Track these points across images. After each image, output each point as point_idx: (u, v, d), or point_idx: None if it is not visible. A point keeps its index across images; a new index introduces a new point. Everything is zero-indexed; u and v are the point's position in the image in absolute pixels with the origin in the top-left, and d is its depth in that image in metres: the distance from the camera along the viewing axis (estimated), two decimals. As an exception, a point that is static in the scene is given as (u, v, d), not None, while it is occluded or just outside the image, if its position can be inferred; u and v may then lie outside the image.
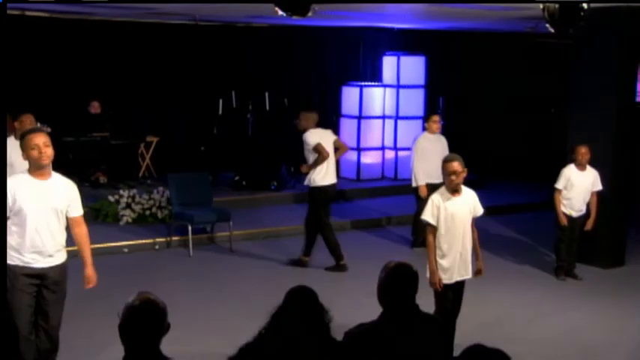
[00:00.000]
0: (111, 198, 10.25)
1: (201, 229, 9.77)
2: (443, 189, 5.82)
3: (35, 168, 5.01)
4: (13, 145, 6.83)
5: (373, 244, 10.02)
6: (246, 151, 12.61)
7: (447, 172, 5.71)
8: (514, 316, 7.34)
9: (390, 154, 13.68)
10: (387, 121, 13.74)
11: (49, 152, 5.01)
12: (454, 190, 5.75)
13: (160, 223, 10.12)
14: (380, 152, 13.69)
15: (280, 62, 13.60)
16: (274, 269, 8.66)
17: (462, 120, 14.42)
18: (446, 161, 5.77)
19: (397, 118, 13.67)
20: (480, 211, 5.95)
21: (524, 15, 9.55)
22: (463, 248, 5.81)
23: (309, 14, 6.99)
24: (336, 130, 13.79)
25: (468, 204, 5.86)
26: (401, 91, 13.83)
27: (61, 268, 5.21)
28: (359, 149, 13.47)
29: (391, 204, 12.01)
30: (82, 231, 5.29)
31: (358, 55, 14.12)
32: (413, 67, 13.84)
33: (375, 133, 13.65)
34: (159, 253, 9.37)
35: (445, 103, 14.15)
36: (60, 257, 5.20)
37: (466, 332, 5.69)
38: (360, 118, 13.48)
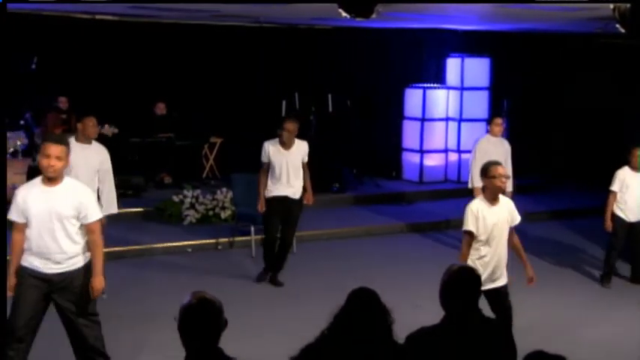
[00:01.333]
0: (175, 198, 10.40)
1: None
2: (481, 197, 5.73)
3: (44, 175, 4.99)
4: (73, 147, 6.95)
5: (434, 247, 9.93)
6: (308, 152, 12.62)
7: (492, 175, 5.56)
8: (555, 321, 7.18)
9: (453, 157, 13.54)
10: (450, 123, 13.61)
11: (57, 166, 4.90)
12: (494, 199, 5.64)
13: (223, 224, 10.22)
14: (443, 155, 13.57)
15: (343, 64, 13.59)
16: (336, 271, 8.64)
17: (526, 122, 14.20)
18: (492, 165, 5.65)
19: (461, 120, 13.53)
20: (517, 219, 5.82)
21: (593, 16, 9.34)
22: (500, 257, 5.69)
23: (373, 16, 6.97)
24: (399, 132, 13.78)
25: (505, 213, 5.72)
26: (465, 93, 13.70)
27: (74, 276, 5.08)
28: (422, 151, 13.38)
29: (453, 207, 11.88)
30: (93, 239, 5.13)
31: (421, 57, 14.01)
32: (477, 69, 13.68)
33: (438, 135, 13.54)
34: (222, 253, 9.46)
35: (510, 105, 13.94)
36: (70, 265, 5.07)
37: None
38: (423, 120, 13.39)
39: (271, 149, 8.01)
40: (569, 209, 12.07)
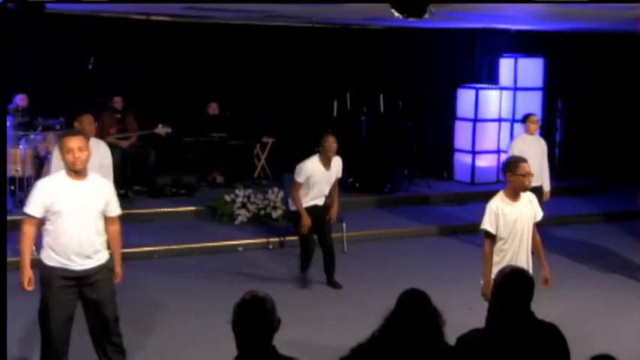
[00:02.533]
0: (227, 197, 10.48)
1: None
2: (502, 194, 5.59)
3: (68, 169, 4.97)
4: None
5: (478, 249, 9.80)
6: (360, 153, 12.63)
7: (519, 172, 5.44)
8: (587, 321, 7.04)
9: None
10: (503, 123, 13.46)
11: (83, 157, 4.91)
12: (516, 195, 5.52)
13: (273, 223, 10.27)
14: (495, 155, 13.42)
15: (395, 64, 13.55)
16: (386, 271, 8.63)
17: (580, 123, 13.97)
18: (520, 161, 5.53)
19: (514, 121, 13.37)
20: (539, 215, 5.67)
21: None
22: (521, 255, 5.54)
23: (426, 16, 6.94)
24: (451, 133, 13.67)
25: (528, 209, 5.59)
26: (518, 93, 13.53)
27: (100, 269, 5.12)
28: (473, 152, 13.26)
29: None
30: (115, 229, 5.27)
31: (474, 57, 13.88)
32: (531, 69, 13.51)
33: (490, 136, 13.40)
34: (272, 252, 9.51)
35: (564, 105, 13.73)
36: (98, 260, 5.11)
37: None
38: (475, 120, 13.27)
39: (312, 169, 7.88)
40: (623, 211, 11.82)
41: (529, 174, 5.49)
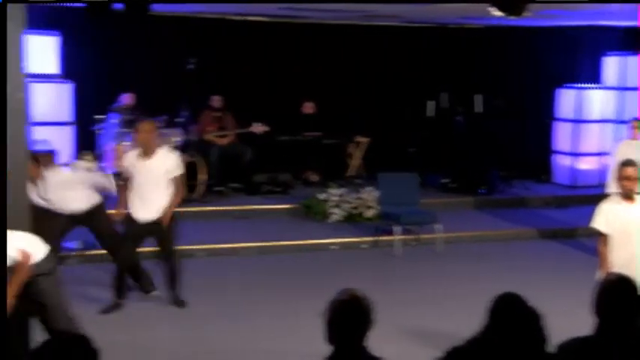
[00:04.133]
0: (321, 196, 10.54)
1: (408, 230, 9.79)
2: (615, 196, 5.56)
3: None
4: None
5: (586, 254, 9.53)
6: (455, 153, 12.49)
7: (620, 175, 5.45)
8: None
9: (608, 160, 12.96)
10: (606, 125, 13.04)
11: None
12: (627, 197, 5.43)
13: (367, 222, 10.27)
14: (598, 158, 13.01)
15: (492, 64, 13.33)
16: (482, 274, 8.49)
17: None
18: (621, 165, 5.51)
19: (618, 122, 12.93)
20: None
21: None
22: (633, 261, 5.37)
23: (526, 14, 6.81)
24: (550, 134, 13.33)
25: None
26: (623, 93, 13.07)
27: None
28: (574, 154, 12.90)
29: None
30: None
31: (575, 56, 13.49)
32: (637, 68, 13.03)
33: (592, 137, 13.00)
34: (366, 251, 9.51)
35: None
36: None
37: None
38: (576, 121, 12.91)
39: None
40: None
41: (628, 177, 5.43)
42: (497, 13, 6.96)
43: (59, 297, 5.24)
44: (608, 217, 5.49)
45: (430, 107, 12.68)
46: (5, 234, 4.94)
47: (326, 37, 12.73)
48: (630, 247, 5.45)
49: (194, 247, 8.99)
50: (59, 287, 5.29)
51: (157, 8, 9.62)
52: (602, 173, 12.93)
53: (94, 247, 8.60)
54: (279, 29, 12.52)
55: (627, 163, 5.56)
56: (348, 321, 3.23)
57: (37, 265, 5.09)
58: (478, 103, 12.69)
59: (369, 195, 10.47)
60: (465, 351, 3.39)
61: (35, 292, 5.06)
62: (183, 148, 10.99)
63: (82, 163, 8.87)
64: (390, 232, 9.45)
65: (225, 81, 12.00)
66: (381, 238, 9.66)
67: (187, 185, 10.38)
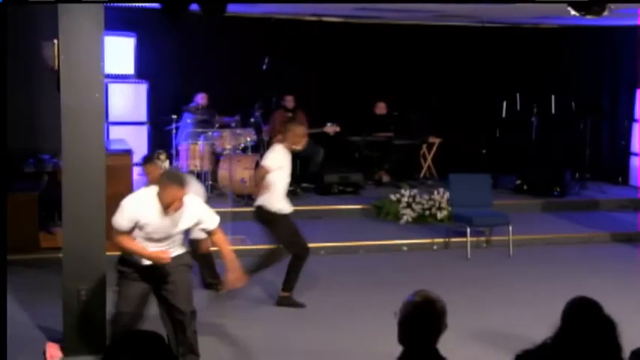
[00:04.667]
0: (392, 197, 10.54)
1: (480, 232, 9.70)
2: None
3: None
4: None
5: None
6: (529, 154, 12.30)
7: None
8: None
9: (688, 163, 12.59)
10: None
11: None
12: None
13: (438, 224, 10.21)
14: (676, 160, 12.65)
15: (568, 64, 13.09)
16: (555, 277, 8.35)
17: None
18: None
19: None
20: None
21: None
22: None
23: (605, 13, 6.66)
24: (627, 135, 13.00)
25: None
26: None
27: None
28: (652, 156, 12.57)
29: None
30: (218, 238, 5.41)
31: (655, 56, 13.14)
32: None
33: (671, 139, 12.64)
34: (437, 253, 9.47)
35: None
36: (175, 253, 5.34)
37: None
38: (655, 123, 12.57)
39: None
40: None
41: None
42: (574, 13, 6.83)
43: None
44: None
45: (504, 108, 12.53)
46: (5, 234, 5.08)
47: (399, 38, 12.71)
48: None
49: (266, 246, 9.08)
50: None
51: (232, 9, 9.78)
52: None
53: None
54: (352, 29, 12.56)
55: None
56: (421, 323, 3.23)
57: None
58: (553, 105, 12.48)
59: (441, 196, 10.41)
60: (536, 355, 3.36)
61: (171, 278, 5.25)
62: (255, 148, 11.16)
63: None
64: (461, 234, 9.38)
65: (298, 81, 12.10)
66: (452, 239, 9.59)
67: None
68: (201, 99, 11.28)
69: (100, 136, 5.86)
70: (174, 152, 10.63)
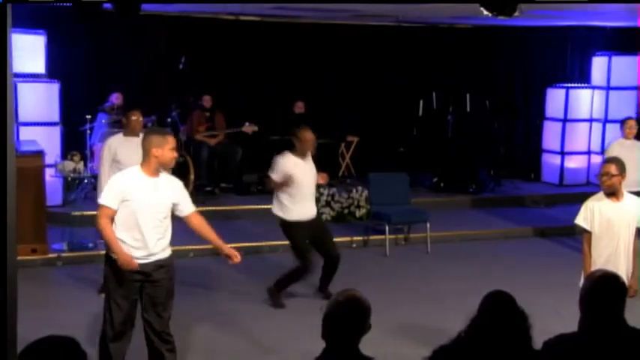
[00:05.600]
0: (312, 195, 10.53)
1: (399, 230, 9.81)
2: (600, 194, 5.59)
3: (158, 167, 5.04)
4: (121, 141, 7.00)
5: (574, 253, 9.57)
6: (445, 153, 12.52)
7: (600, 172, 5.53)
8: None
9: (596, 159, 13.02)
10: (594, 124, 13.10)
11: (176, 155, 5.19)
12: (610, 194, 5.48)
13: (357, 222, 10.28)
14: (586, 157, 13.08)
15: (482, 63, 13.37)
16: (471, 273, 8.51)
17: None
18: (603, 162, 5.67)
19: (606, 121, 12.99)
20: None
21: None
22: (617, 259, 5.45)
23: (516, 14, 6.81)
24: (539, 133, 13.38)
25: (628, 211, 5.52)
26: (611, 93, 13.14)
27: (163, 265, 5.17)
28: (563, 153, 12.96)
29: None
30: (198, 220, 5.30)
31: (565, 56, 13.56)
32: (626, 68, 13.08)
33: (580, 136, 13.07)
34: (356, 251, 9.52)
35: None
36: (163, 255, 5.16)
37: None
38: (565, 121, 12.96)
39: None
40: None
41: (605, 174, 5.48)
42: (486, 13, 6.96)
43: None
44: (592, 214, 5.52)
45: (421, 107, 12.72)
46: (5, 234, 4.92)
47: (317, 37, 12.73)
48: (614, 244, 5.50)
49: (183, 247, 8.97)
50: None
51: (148, 7, 9.61)
52: (590, 172, 13.02)
53: (80, 249, 8.61)
54: (270, 29, 12.52)
55: (609, 160, 5.65)
56: (344, 321, 3.25)
57: None
58: (468, 103, 12.73)
59: (360, 194, 10.49)
60: (453, 349, 3.41)
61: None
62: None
63: (70, 164, 8.84)
64: (380, 232, 9.46)
65: (215, 81, 12.00)
66: (371, 237, 9.67)
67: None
68: (116, 99, 11.06)
69: (10, 138, 5.64)
70: (88, 153, 10.35)
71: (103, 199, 5.01)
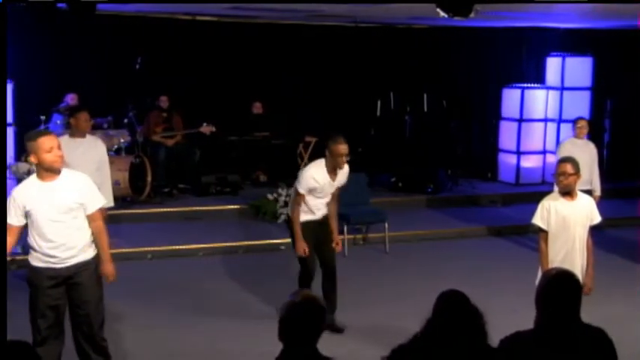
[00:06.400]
0: (270, 196, 10.52)
1: (357, 230, 9.84)
2: (556, 193, 5.68)
3: (47, 170, 4.85)
4: (66, 142, 6.64)
5: (530, 251, 9.71)
6: (403, 152, 12.59)
7: (556, 172, 5.58)
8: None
9: (551, 158, 13.21)
10: (549, 124, 13.30)
11: (61, 154, 4.91)
12: (565, 194, 5.57)
13: (316, 222, 10.27)
14: (541, 156, 13.27)
15: (440, 64, 13.48)
16: (429, 272, 8.58)
17: (630, 124, 13.72)
18: (560, 161, 5.65)
19: (560, 121, 13.21)
20: (596, 218, 5.69)
21: None
22: (573, 257, 5.56)
23: (472, 15, 6.89)
24: (495, 133, 13.53)
25: (582, 210, 5.63)
26: (565, 93, 13.36)
27: (85, 267, 5.02)
28: (518, 153, 13.12)
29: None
30: (97, 226, 5.07)
31: (520, 56, 13.74)
32: (579, 69, 13.32)
33: (536, 136, 13.25)
34: (315, 251, 9.51)
35: (613, 106, 13.48)
36: (83, 256, 5.02)
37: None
38: (520, 120, 13.13)
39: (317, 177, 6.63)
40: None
41: (562, 173, 5.53)
42: (443, 14, 7.04)
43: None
44: (548, 213, 5.59)
45: (379, 107, 12.77)
46: (5, 232, 4.82)
47: (275, 37, 12.71)
48: (570, 243, 5.58)
49: (142, 249, 8.91)
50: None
51: (103, 7, 9.50)
52: (545, 171, 13.22)
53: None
54: (227, 29, 12.46)
55: (564, 159, 5.68)
56: (301, 322, 3.25)
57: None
58: (426, 103, 12.83)
59: (318, 195, 10.47)
60: (410, 349, 3.43)
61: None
62: (130, 149, 10.89)
63: (24, 165, 8.70)
64: (339, 232, 9.45)
65: (172, 81, 11.90)
66: (330, 237, 9.66)
67: (135, 187, 10.32)
68: (71, 99, 10.92)
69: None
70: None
71: (8, 218, 4.86)
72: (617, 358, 3.61)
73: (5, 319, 4.81)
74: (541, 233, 5.64)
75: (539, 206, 5.66)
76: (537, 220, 5.63)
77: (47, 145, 4.79)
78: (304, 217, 6.59)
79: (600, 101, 13.51)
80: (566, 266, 5.45)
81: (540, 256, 5.64)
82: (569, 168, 5.55)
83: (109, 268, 5.15)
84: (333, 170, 6.59)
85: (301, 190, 6.47)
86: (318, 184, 6.49)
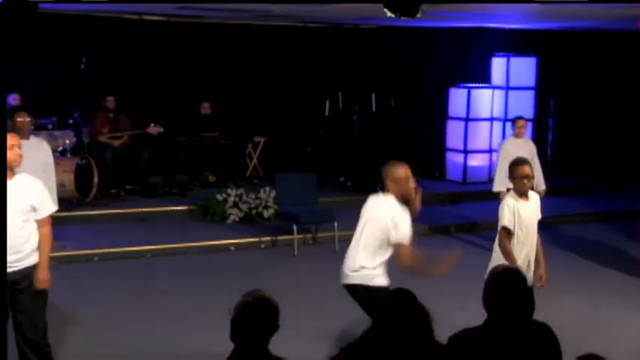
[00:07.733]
0: (219, 197, 10.48)
1: (307, 229, 9.85)
2: (513, 193, 5.70)
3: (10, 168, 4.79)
4: None
5: (478, 249, 9.85)
6: (352, 152, 12.63)
7: (518, 175, 5.57)
8: (592, 321, 7.04)
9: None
10: (495, 123, 13.49)
11: (21, 153, 4.83)
12: (522, 195, 5.64)
13: (265, 222, 10.27)
14: (487, 155, 13.45)
15: (387, 63, 13.56)
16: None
17: (573, 123, 14.01)
18: (517, 164, 5.63)
19: (506, 120, 13.40)
20: (539, 215, 5.81)
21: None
22: (531, 254, 5.70)
23: (418, 15, 6.95)
24: (443, 132, 13.67)
25: (535, 208, 5.75)
26: (510, 92, 13.57)
27: (31, 273, 4.93)
28: (465, 152, 13.29)
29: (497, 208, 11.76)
30: (44, 231, 4.97)
31: (466, 57, 13.91)
32: (523, 69, 13.55)
33: (482, 135, 13.43)
34: (264, 251, 9.51)
35: (557, 105, 13.74)
36: (29, 261, 4.92)
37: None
38: (467, 120, 13.29)
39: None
40: (616, 211, 11.88)
41: (526, 176, 5.57)
42: (390, 14, 7.08)
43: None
44: (513, 215, 5.60)
45: (327, 107, 12.80)
46: (5, 234, 4.69)
47: (223, 37, 12.65)
48: (530, 241, 5.68)
49: (88, 251, 8.79)
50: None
51: (46, 6, 9.33)
52: (492, 170, 13.40)
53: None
54: (175, 29, 12.36)
55: (521, 162, 5.68)
56: (252, 322, 3.25)
57: None
58: (374, 103, 12.90)
59: (267, 195, 10.48)
60: (358, 347, 3.44)
61: None
62: (75, 151, 10.72)
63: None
64: (288, 232, 9.47)
65: (119, 81, 11.75)
66: (279, 237, 9.67)
67: (81, 188, 10.16)
68: (13, 100, 10.70)
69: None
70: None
71: None
72: (561, 353, 3.68)
73: (5, 319, 4.78)
74: (503, 232, 5.62)
75: (505, 208, 5.62)
76: (507, 222, 5.58)
77: (9, 142, 4.74)
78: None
79: (544, 101, 13.76)
80: (528, 263, 5.60)
81: (505, 254, 5.58)
82: (529, 170, 5.60)
83: (44, 274, 4.98)
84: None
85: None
86: None
